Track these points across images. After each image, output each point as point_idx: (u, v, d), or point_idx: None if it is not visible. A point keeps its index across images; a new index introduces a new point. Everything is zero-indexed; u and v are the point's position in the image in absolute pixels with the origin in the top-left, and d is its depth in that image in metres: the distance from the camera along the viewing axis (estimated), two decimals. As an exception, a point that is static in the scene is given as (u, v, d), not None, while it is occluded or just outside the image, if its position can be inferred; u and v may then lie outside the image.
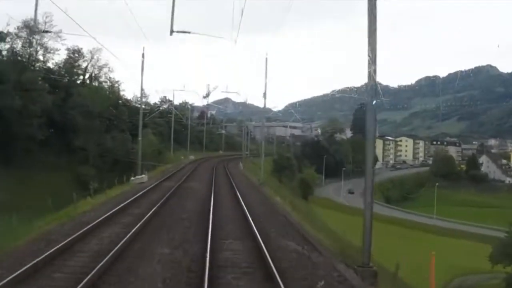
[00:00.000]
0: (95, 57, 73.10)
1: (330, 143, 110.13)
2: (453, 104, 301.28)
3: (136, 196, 25.04)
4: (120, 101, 75.50)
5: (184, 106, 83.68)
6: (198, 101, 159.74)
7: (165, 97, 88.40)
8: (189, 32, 27.05)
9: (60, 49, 68.58)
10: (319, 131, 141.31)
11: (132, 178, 35.54)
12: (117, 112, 73.44)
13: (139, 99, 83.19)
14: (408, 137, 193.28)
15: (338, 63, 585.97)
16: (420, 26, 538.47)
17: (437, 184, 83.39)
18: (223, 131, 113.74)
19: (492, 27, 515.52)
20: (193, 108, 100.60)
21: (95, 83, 74.46)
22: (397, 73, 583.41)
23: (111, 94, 74.74)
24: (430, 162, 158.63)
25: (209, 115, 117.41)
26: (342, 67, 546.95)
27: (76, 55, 72.74)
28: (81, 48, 72.68)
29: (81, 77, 74.45)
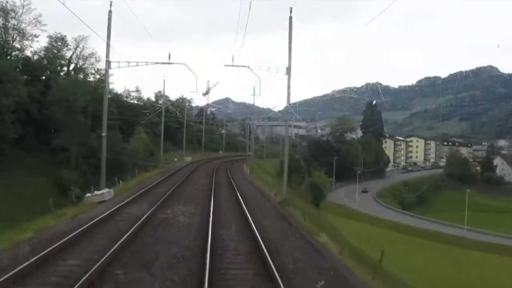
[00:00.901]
0: (80, 45, 63.64)
1: (340, 143, 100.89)
2: (454, 104, 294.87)
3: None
4: (109, 96, 65.97)
5: (181, 102, 74.72)
6: (198, 102, 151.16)
7: (159, 92, 79.40)
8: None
9: (39, 35, 59.24)
10: (327, 130, 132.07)
11: (89, 194, 25.30)
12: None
13: (131, 93, 74.38)
14: (418, 138, 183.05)
15: (338, 63, 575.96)
16: (421, 26, 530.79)
17: (468, 191, 73.83)
18: (224, 131, 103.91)
19: (493, 27, 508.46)
20: (191, 107, 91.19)
21: (81, 76, 64.96)
22: (397, 73, 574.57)
23: (99, 88, 65.22)
24: (441, 163, 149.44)
25: (208, 112, 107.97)
26: (342, 67, 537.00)
27: (59, 43, 63.23)
28: (65, 36, 63.29)
29: (65, 68, 64.91)
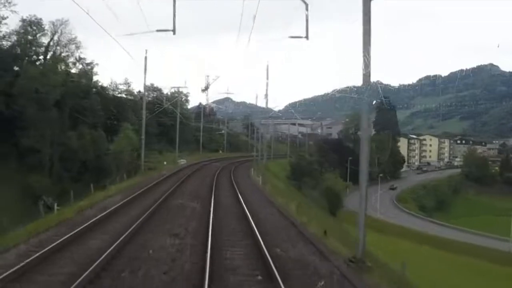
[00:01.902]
0: (59, 31, 53.47)
1: (353, 142, 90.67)
2: (455, 103, 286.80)
3: None
4: (93, 89, 55.96)
5: (177, 97, 64.69)
6: (197, 101, 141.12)
7: (152, 84, 69.08)
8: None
9: (8, 17, 49.24)
10: (334, 128, 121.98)
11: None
12: (88, 102, 53.95)
13: (119, 86, 64.28)
14: (432, 136, 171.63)
15: (339, 62, 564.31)
16: (421, 25, 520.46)
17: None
18: (225, 128, 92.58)
19: (493, 25, 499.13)
20: (187, 100, 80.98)
21: (62, 66, 54.75)
22: (398, 72, 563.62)
23: (81, 79, 55.17)
24: (455, 163, 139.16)
25: (207, 108, 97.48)
26: (343, 66, 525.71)
27: (34, 27, 53.14)
28: (40, 19, 53.19)
29: (41, 57, 54.74)
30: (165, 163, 46.04)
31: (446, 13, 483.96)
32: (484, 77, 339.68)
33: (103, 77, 77.63)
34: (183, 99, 74.41)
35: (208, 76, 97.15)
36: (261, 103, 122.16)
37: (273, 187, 34.66)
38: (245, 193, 26.50)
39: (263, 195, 28.26)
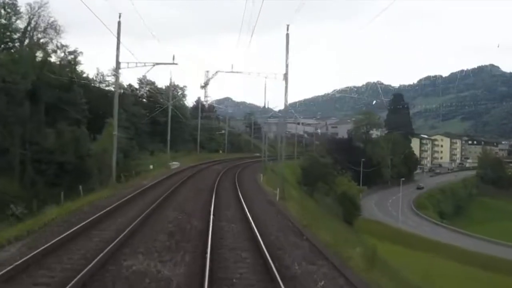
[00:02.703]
0: (37, 14, 45.88)
1: (365, 142, 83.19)
2: (456, 103, 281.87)
3: None
4: (75, 80, 48.26)
5: (173, 90, 57.12)
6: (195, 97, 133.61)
7: (144, 76, 61.30)
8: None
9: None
10: (339, 128, 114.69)
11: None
12: (70, 95, 46.41)
13: (106, 78, 56.71)
14: (443, 136, 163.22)
15: (339, 62, 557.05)
16: (422, 25, 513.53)
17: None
18: (226, 126, 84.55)
19: (494, 26, 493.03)
20: (184, 95, 72.69)
21: (40, 54, 47.18)
22: (398, 72, 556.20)
23: (63, 69, 47.60)
24: (467, 164, 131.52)
25: (206, 105, 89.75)
26: (343, 66, 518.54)
27: (9, 10, 45.63)
28: (15, 1, 45.65)
29: (18, 43, 47.15)
30: (151, 167, 38.09)
31: (447, 14, 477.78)
32: (484, 78, 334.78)
33: (92, 69, 68.21)
34: (180, 93, 66.67)
35: (207, 71, 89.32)
36: (261, 103, 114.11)
37: (297, 205, 24.70)
38: (263, 224, 16.61)
39: (291, 224, 17.71)
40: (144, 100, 60.94)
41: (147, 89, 61.51)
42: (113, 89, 57.14)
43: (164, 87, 60.91)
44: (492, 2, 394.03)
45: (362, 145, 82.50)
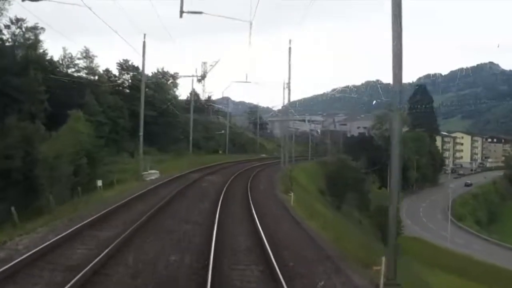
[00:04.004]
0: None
1: (386, 140, 70.84)
2: (456, 102, 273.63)
3: None
4: (32, 62, 36.23)
5: (161, 78, 45.27)
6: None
7: (126, 61, 48.48)
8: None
9: None
10: (349, 125, 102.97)
11: None
12: (23, 81, 34.28)
13: (75, 62, 44.49)
14: (464, 133, 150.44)
15: (338, 61, 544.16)
16: (420, 23, 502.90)
17: None
18: (227, 122, 70.95)
19: (492, 23, 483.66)
20: (175, 84, 59.43)
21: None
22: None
23: (16, 48, 35.55)
24: (488, 164, 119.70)
25: (205, 94, 77.27)
26: (341, 65, 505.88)
27: None
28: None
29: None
30: (99, 184, 25.41)
31: (445, 11, 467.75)
32: (484, 76, 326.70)
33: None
34: (170, 81, 54.20)
35: (205, 63, 76.53)
36: (260, 102, 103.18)
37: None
38: None
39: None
40: (127, 90, 48.71)
41: (129, 75, 49.22)
42: (84, 75, 45.23)
43: (151, 74, 48.63)
44: (491, 1, 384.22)
45: (385, 144, 70.36)
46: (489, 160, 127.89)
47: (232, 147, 69.20)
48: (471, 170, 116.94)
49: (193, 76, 46.86)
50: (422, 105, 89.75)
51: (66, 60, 42.70)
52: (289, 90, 25.13)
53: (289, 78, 23.90)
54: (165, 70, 52.25)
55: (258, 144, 78.95)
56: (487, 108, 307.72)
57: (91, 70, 44.10)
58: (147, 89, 45.70)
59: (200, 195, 24.05)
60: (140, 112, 32.69)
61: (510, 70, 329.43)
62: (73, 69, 43.00)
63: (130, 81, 48.13)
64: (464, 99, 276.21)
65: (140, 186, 26.39)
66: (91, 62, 43.50)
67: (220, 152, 65.40)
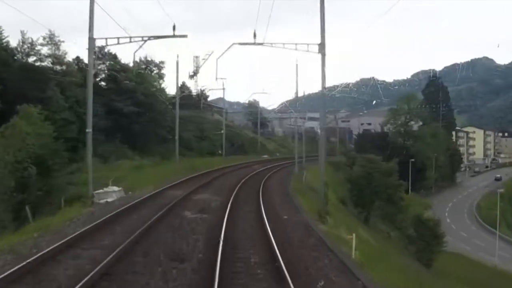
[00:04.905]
0: None
1: (405, 136, 63.33)
2: (451, 97, 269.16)
3: None
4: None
5: (144, 69, 37.61)
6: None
7: (101, 48, 39.98)
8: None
9: None
10: (353, 122, 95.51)
11: None
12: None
13: (36, 48, 36.36)
14: (475, 128, 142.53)
15: (331, 59, 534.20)
16: (414, 19, 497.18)
17: None
18: (223, 120, 61.01)
19: (486, 19, 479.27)
20: (160, 76, 49.92)
21: None
22: (392, 67, 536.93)
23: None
24: (500, 160, 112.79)
25: (195, 88, 69.05)
26: (335, 62, 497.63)
27: None
28: None
29: None
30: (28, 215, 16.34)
31: (439, 6, 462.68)
32: (479, 71, 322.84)
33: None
34: (155, 72, 45.97)
35: (197, 57, 68.24)
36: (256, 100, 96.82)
37: None
38: None
39: None
40: (102, 82, 40.46)
41: (104, 65, 40.93)
42: (50, 64, 37.03)
43: (131, 64, 40.35)
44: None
45: (401, 140, 62.80)
46: (502, 155, 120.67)
47: (230, 147, 60.43)
48: (486, 166, 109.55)
49: (177, 59, 38.58)
50: (437, 97, 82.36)
51: (25, 46, 34.67)
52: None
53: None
54: (149, 59, 44.46)
55: (259, 144, 70.55)
56: (482, 103, 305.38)
57: (57, 58, 35.89)
58: (127, 82, 37.59)
59: (174, 253, 11.92)
60: (88, 98, 22.58)
61: (505, 65, 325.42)
62: (34, 58, 34.97)
63: (106, 71, 40.02)
64: (460, 94, 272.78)
65: (75, 220, 16.30)
66: (57, 49, 35.44)
67: (220, 152, 56.44)
